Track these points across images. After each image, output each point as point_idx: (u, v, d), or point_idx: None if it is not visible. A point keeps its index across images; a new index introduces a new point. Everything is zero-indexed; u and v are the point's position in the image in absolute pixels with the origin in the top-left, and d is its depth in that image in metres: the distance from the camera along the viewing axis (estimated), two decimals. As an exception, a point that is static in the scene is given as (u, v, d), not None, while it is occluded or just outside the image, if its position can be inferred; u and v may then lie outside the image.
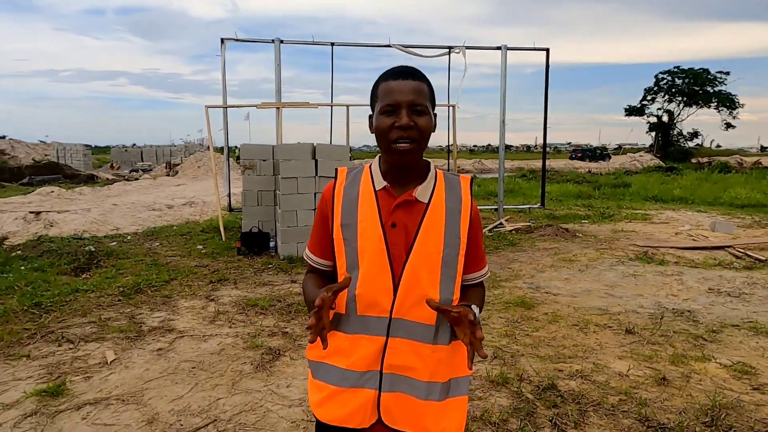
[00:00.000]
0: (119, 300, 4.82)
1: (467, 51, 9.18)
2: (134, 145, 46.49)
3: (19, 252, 6.90)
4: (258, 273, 5.95)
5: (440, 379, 1.25)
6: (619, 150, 62.65)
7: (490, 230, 8.80)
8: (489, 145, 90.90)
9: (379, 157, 1.30)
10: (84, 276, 5.80)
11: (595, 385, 3.14)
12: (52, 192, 13.47)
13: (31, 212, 8.92)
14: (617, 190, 16.80)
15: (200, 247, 7.37)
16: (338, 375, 1.24)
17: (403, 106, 1.17)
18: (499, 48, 9.25)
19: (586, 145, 72.60)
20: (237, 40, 8.74)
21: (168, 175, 22.70)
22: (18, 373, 3.26)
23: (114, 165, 30.22)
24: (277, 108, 8.48)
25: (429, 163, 1.30)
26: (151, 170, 26.96)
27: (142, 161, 31.06)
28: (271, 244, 7.06)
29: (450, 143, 9.17)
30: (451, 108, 8.81)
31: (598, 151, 46.40)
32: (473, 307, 1.19)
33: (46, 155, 30.97)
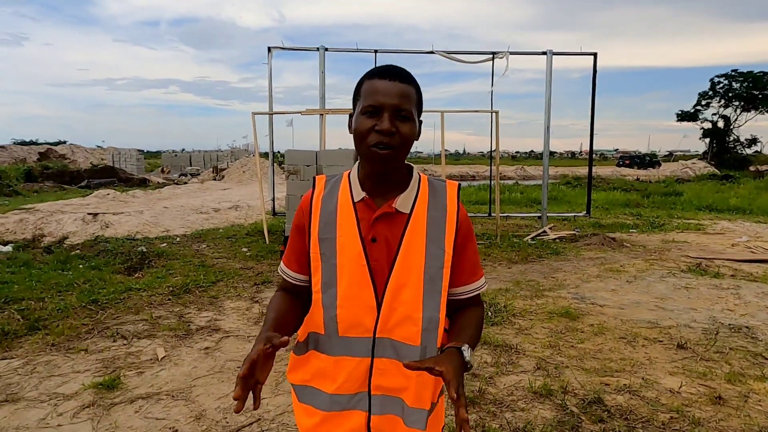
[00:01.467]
0: (169, 299, 5.01)
1: (512, 56, 9.08)
2: (183, 150, 48.32)
3: (78, 251, 7.30)
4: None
5: (424, 405, 1.17)
6: (670, 157, 60.18)
7: (533, 238, 8.63)
8: (532, 151, 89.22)
9: (358, 164, 1.21)
10: (137, 275, 6.07)
11: (644, 401, 3.02)
12: (108, 194, 14.17)
13: (89, 213, 9.41)
14: (668, 198, 16.14)
15: (245, 249, 7.57)
16: (327, 400, 1.18)
17: (387, 109, 1.07)
18: (544, 53, 9.09)
19: (635, 151, 70.10)
20: (283, 48, 8.97)
21: (215, 180, 23.45)
22: (77, 366, 3.45)
23: (164, 169, 31.48)
24: (321, 114, 8.64)
25: (411, 168, 1.21)
26: (198, 174, 27.92)
27: (191, 166, 32.22)
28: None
29: (492, 149, 9.07)
30: (494, 114, 8.72)
31: (648, 158, 44.73)
32: (463, 349, 1.07)
33: (102, 159, 32.62)
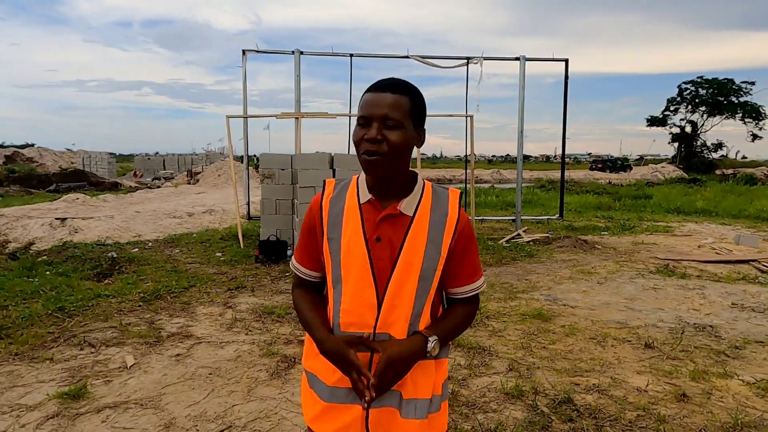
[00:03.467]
0: (140, 306, 4.91)
1: (486, 62, 9.20)
2: (157, 153, 47.43)
3: (44, 257, 7.09)
4: (275, 281, 6.00)
5: (423, 395, 1.24)
6: (641, 161, 61.75)
7: (507, 241, 8.74)
8: (508, 155, 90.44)
9: None
10: (106, 281, 5.93)
11: (613, 400, 3.09)
12: (78, 199, 13.80)
13: (57, 218, 9.16)
14: (638, 201, 16.55)
15: (219, 254, 7.47)
16: (328, 391, 1.26)
17: (375, 119, 1.16)
18: (518, 59, 9.24)
19: (607, 155, 71.69)
20: (258, 51, 8.91)
21: (189, 183, 23.09)
22: (41, 376, 3.35)
23: (137, 173, 30.86)
24: (297, 118, 8.60)
25: (416, 175, 1.28)
26: (172, 178, 27.45)
27: (164, 169, 31.65)
28: (289, 252, 7.12)
29: (468, 153, 9.17)
30: (468, 118, 8.82)
31: (619, 162, 45.82)
32: (430, 339, 1.21)
33: (72, 163, 31.79)
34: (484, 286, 1.35)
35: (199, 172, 25.16)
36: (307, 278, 1.36)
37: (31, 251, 7.59)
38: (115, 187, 21.86)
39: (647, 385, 3.28)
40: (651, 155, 72.51)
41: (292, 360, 3.63)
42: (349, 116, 9.05)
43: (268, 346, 3.88)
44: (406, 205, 1.22)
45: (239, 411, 2.93)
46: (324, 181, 1.34)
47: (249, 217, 9.61)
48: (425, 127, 1.27)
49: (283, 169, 7.41)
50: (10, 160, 30.60)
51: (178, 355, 3.74)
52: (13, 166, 26.17)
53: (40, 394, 3.07)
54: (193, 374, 3.41)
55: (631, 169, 42.88)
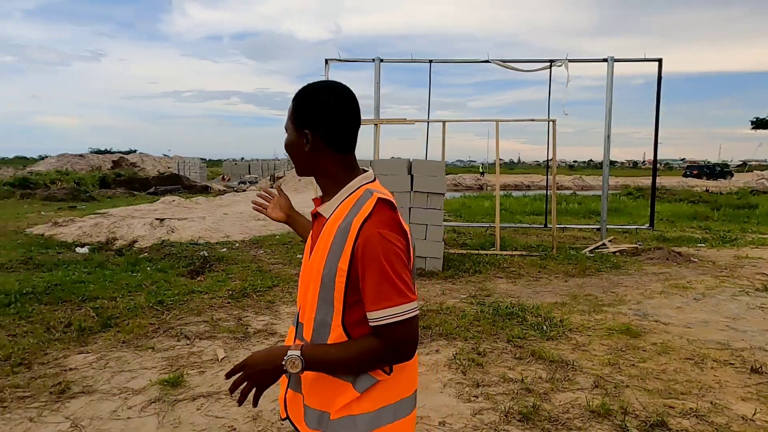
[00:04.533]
0: (228, 302, 5.22)
1: (570, 64, 8.86)
2: (243, 158, 50.22)
3: (146, 254, 7.74)
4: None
5: (312, 403, 1.20)
6: (744, 167, 56.35)
7: (591, 251, 8.33)
8: (590, 160, 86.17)
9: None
10: (199, 278, 6.36)
11: (713, 427, 2.85)
12: (174, 201, 14.94)
13: (156, 219, 9.97)
14: (741, 211, 15.11)
15: (300, 256, 7.76)
16: None
17: None
18: (605, 60, 8.81)
19: (704, 161, 66.19)
20: (340, 60, 9.17)
21: (272, 187, 24.20)
22: (145, 363, 3.66)
23: (225, 177, 32.84)
24: (375, 124, 8.76)
25: (350, 181, 1.21)
26: (256, 182, 28.93)
27: (249, 174, 33.43)
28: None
29: (549, 158, 8.86)
30: (551, 123, 8.53)
31: (718, 168, 42.13)
32: (291, 351, 1.14)
33: (168, 167, 34.46)
34: (394, 320, 1.09)
35: (281, 177, 26.31)
36: None
37: (135, 248, 8.31)
38: (205, 190, 23.40)
39: (754, 414, 2.99)
40: (756, 161, 65.96)
41: (371, 362, 3.69)
42: (427, 122, 9.08)
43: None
44: (325, 207, 1.23)
45: (321, 409, 3.03)
46: None
47: (328, 221, 9.90)
48: (309, 127, 1.20)
49: (362, 175, 7.57)
50: (117, 164, 33.74)
51: (263, 351, 3.93)
52: (119, 170, 28.84)
53: (144, 380, 3.36)
54: (277, 370, 3.57)
55: (732, 175, 39.28)
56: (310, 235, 1.30)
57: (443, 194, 6.78)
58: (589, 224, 11.38)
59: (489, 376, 3.50)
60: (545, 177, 9.68)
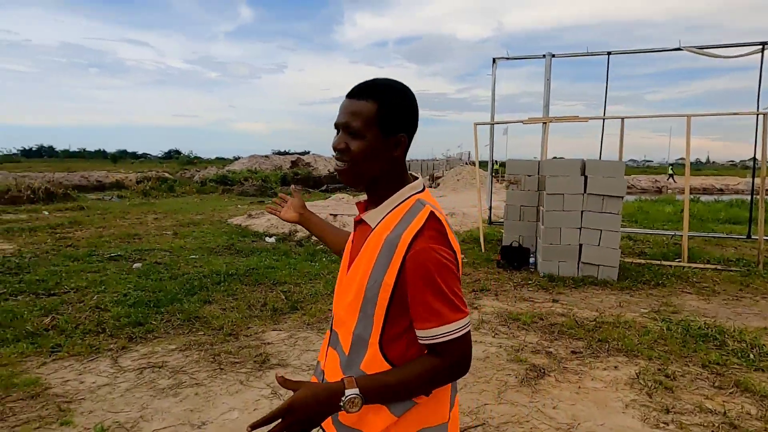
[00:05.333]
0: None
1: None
2: (402, 158, 52.07)
3: (321, 246, 8.51)
4: (518, 287, 5.98)
5: (346, 420, 1.12)
6: None
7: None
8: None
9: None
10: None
11: None
12: (343, 198, 16.17)
13: (330, 214, 10.89)
14: None
15: (462, 256, 7.76)
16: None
17: (339, 127, 1.13)
18: (841, 37, 7.19)
19: None
20: (508, 58, 9.00)
21: (431, 187, 24.71)
22: (326, 345, 4.04)
23: (386, 176, 34.43)
24: (544, 123, 8.39)
25: (400, 188, 1.14)
26: (416, 182, 29.78)
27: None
28: (531, 260, 7.01)
29: (757, 157, 7.55)
30: (761, 117, 7.25)
31: None
32: (348, 389, 1.00)
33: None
34: (452, 337, 1.03)
35: (440, 177, 26.72)
36: None
37: (312, 240, 9.20)
38: (369, 189, 24.86)
39: None
40: None
41: (542, 370, 3.56)
42: (603, 119, 8.42)
43: (516, 352, 3.89)
44: (371, 215, 1.16)
45: (491, 411, 3.02)
46: None
47: (490, 222, 9.79)
48: (405, 131, 1.13)
49: (529, 176, 7.32)
50: (294, 164, 37.64)
51: (432, 346, 4.05)
52: (296, 170, 32.15)
53: (327, 360, 3.71)
54: (446, 366, 3.65)
55: None
56: (350, 241, 1.24)
57: (622, 197, 6.22)
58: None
59: (681, 403, 3.12)
60: (744, 179, 8.25)
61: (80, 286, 5.48)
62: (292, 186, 1.64)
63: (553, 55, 8.61)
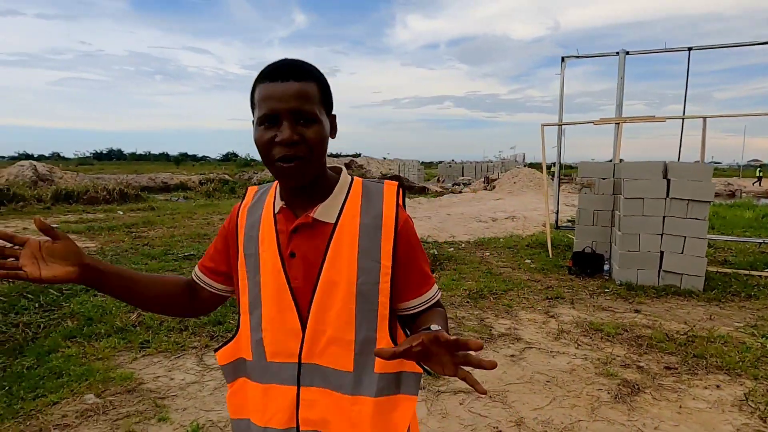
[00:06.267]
0: (467, 302, 5.37)
1: None
2: (453, 160, 51.67)
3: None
4: (594, 296, 5.71)
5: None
6: None
7: None
8: None
9: None
10: (433, 276, 6.69)
11: None
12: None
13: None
14: None
15: (528, 261, 7.57)
16: None
17: (284, 116, 0.93)
18: None
19: None
20: (578, 56, 8.66)
21: (485, 190, 24.31)
22: (403, 350, 3.98)
23: (440, 179, 34.23)
24: (617, 123, 8.02)
25: (340, 171, 1.08)
26: (469, 184, 29.41)
27: (463, 176, 34.19)
28: (605, 267, 6.69)
29: None
30: None
31: None
32: (433, 327, 0.90)
33: (390, 169, 37.45)
34: (439, 294, 1.11)
35: (495, 179, 26.23)
36: (196, 280, 1.18)
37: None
38: (423, 191, 24.73)
39: None
40: None
41: (635, 386, 3.35)
42: (682, 119, 7.94)
43: (604, 366, 3.69)
44: (323, 211, 1.01)
45: (586, 428, 2.86)
46: (246, 188, 1.17)
47: (557, 226, 9.46)
48: (333, 112, 1.05)
49: (604, 178, 7.00)
50: (348, 166, 38.06)
51: (512, 356, 3.91)
52: (350, 172, 32.46)
53: (407, 366, 3.65)
54: (530, 378, 3.51)
55: None
56: (288, 251, 1.02)
57: (709, 202, 5.83)
58: None
59: (800, 430, 2.85)
60: None
61: (160, 284, 5.72)
62: (38, 218, 0.93)
63: (627, 52, 8.20)
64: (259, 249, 1.05)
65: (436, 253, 7.94)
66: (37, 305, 4.85)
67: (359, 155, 51.01)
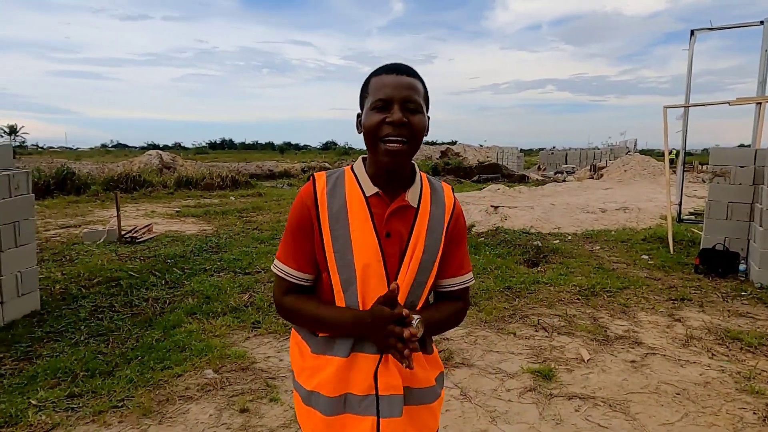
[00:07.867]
0: (577, 299, 5.01)
1: None
2: (555, 147, 49.02)
3: (483, 239, 8.24)
4: (727, 299, 5.06)
5: (433, 382, 1.24)
6: None
7: None
8: None
9: (363, 158, 1.23)
10: (538, 269, 6.35)
11: None
12: (498, 189, 15.62)
13: (491, 206, 10.55)
14: None
15: (645, 257, 6.92)
16: (334, 403, 1.14)
17: (396, 101, 1.09)
18: None
19: None
20: (711, 28, 7.69)
21: (592, 178, 22.77)
22: (509, 347, 3.79)
23: (541, 167, 32.70)
24: (759, 103, 7.02)
25: (413, 164, 1.22)
26: (573, 172, 27.74)
27: (566, 164, 32.35)
28: (741, 267, 5.91)
29: None
30: None
31: None
32: (415, 317, 1.09)
33: (487, 157, 36.50)
34: (470, 282, 1.31)
35: (603, 167, 24.48)
36: (298, 281, 1.22)
37: (473, 232, 8.97)
38: (523, 180, 23.77)
39: None
40: None
41: (789, 409, 2.89)
42: None
43: (746, 381, 3.23)
44: (411, 196, 1.17)
45: (728, 452, 2.50)
46: (312, 175, 1.23)
47: (679, 219, 8.56)
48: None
49: (742, 166, 6.16)
50: (444, 154, 37.68)
51: (633, 361, 3.56)
52: (446, 160, 32.11)
53: (514, 365, 3.47)
54: (656, 388, 3.16)
55: None
56: (384, 231, 1.15)
57: None
58: None
59: None
60: None
61: (268, 267, 5.99)
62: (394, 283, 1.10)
63: (775, 21, 7.11)
64: (350, 230, 1.15)
65: (539, 245, 7.54)
66: (163, 282, 5.31)
67: (455, 143, 50.26)
